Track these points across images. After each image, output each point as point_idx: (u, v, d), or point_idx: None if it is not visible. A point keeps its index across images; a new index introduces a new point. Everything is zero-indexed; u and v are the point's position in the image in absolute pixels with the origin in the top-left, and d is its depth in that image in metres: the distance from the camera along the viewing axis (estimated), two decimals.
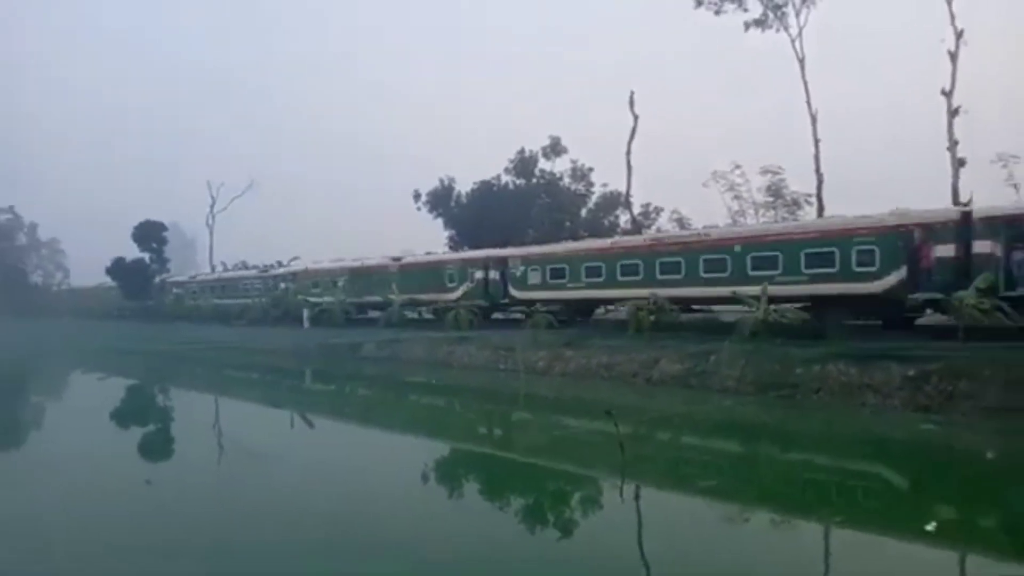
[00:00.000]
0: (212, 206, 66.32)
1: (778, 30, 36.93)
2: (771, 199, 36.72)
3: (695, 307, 24.10)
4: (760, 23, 37.31)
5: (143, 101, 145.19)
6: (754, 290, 21.08)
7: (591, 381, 20.96)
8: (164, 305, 56.50)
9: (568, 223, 44.78)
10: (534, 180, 47.03)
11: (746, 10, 37.47)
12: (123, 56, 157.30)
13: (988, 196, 25.78)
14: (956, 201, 29.04)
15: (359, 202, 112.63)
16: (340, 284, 39.77)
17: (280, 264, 50.72)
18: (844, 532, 9.21)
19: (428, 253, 39.74)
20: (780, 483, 11.93)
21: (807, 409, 16.23)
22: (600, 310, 29.20)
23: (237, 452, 14.87)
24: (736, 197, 37.61)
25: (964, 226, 19.38)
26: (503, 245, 33.92)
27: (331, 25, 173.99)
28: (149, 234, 58.14)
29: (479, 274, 32.48)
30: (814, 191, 34.90)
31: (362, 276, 38.81)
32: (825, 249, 21.14)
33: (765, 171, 36.41)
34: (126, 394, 25.84)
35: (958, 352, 15.99)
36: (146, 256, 58.66)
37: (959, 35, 31.44)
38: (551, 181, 46.82)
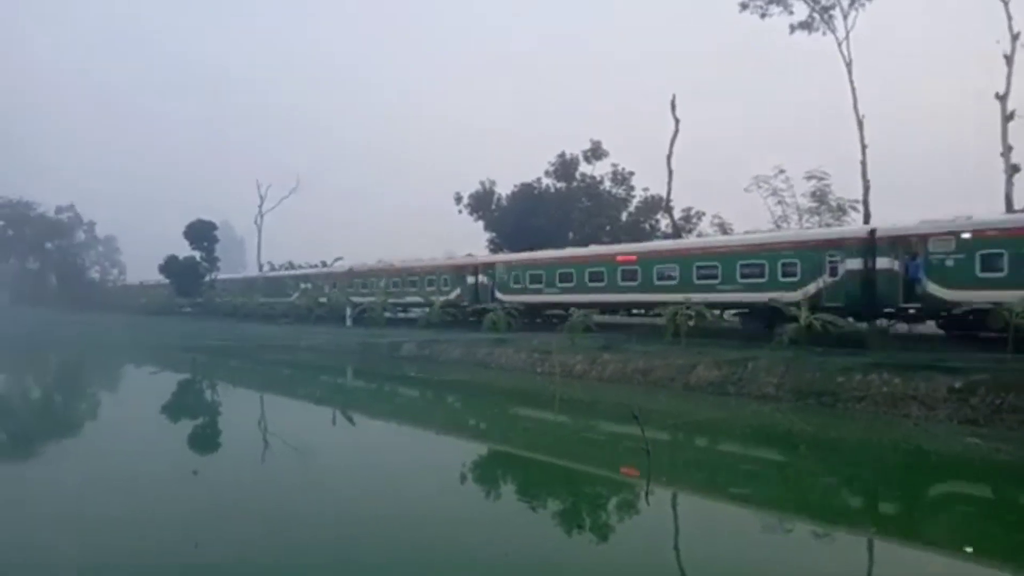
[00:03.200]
0: (260, 206, 68.15)
1: (824, 33, 36.38)
2: (816, 204, 36.06)
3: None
4: (806, 26, 36.81)
5: (197, 111, 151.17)
6: (369, 300, 38.58)
7: (628, 386, 20.99)
8: (214, 302, 58.19)
9: (608, 227, 44.71)
10: (575, 183, 47.05)
11: (792, 13, 37.02)
12: (177, 67, 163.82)
13: None
14: (1009, 208, 28.23)
15: (404, 205, 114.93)
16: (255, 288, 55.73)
17: (324, 264, 52.10)
18: (879, 544, 9.14)
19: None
20: (814, 492, 11.85)
21: (849, 418, 16.02)
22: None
23: (280, 447, 15.35)
24: (780, 202, 37.06)
25: (475, 267, 35.67)
26: (545, 247, 35.15)
27: (379, 38, 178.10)
28: (200, 233, 59.86)
29: (303, 285, 49.94)
30: (860, 197, 34.19)
31: (267, 283, 55.76)
32: (416, 279, 38.48)
33: (810, 176, 35.81)
34: (177, 388, 26.76)
35: (1006, 364, 15.60)
36: (197, 255, 60.47)
37: (1015, 37, 30.50)
38: (591, 185, 46.79)
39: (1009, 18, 30.65)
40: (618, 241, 37.96)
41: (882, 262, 21.51)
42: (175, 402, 23.09)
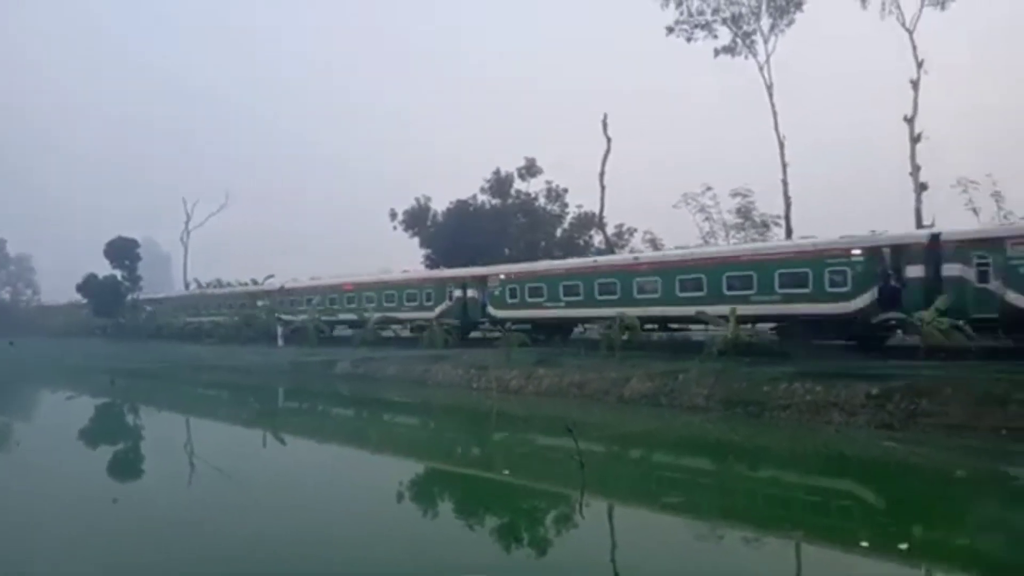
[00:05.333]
0: (187, 222, 65.86)
1: (746, 57, 37.94)
2: (741, 221, 37.40)
3: None
4: (729, 50, 38.28)
5: (120, 115, 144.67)
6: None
7: (564, 399, 21.15)
8: (136, 323, 55.75)
9: (543, 243, 45.15)
10: (510, 200, 47.37)
11: (716, 37, 38.47)
12: (97, 68, 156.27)
13: (950, 220, 26.58)
14: (919, 224, 29.93)
15: (338, 220, 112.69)
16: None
17: (255, 283, 50.68)
18: (804, 546, 9.46)
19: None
20: (742, 498, 12.19)
21: (774, 426, 16.55)
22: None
23: (206, 472, 14.80)
24: (707, 219, 38.29)
25: (266, 294, 46.16)
26: (483, 263, 35.42)
27: (309, 46, 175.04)
28: (121, 251, 57.21)
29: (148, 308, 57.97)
30: (783, 213, 35.65)
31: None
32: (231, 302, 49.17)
33: (735, 193, 37.13)
34: (96, 414, 25.48)
35: (920, 371, 16.44)
36: (118, 273, 57.81)
37: (920, 64, 32.56)
38: (527, 201, 47.19)
39: (914, 47, 32.88)
40: (553, 256, 38.48)
41: (471, 292, 32.90)
42: (94, 428, 22.03)
